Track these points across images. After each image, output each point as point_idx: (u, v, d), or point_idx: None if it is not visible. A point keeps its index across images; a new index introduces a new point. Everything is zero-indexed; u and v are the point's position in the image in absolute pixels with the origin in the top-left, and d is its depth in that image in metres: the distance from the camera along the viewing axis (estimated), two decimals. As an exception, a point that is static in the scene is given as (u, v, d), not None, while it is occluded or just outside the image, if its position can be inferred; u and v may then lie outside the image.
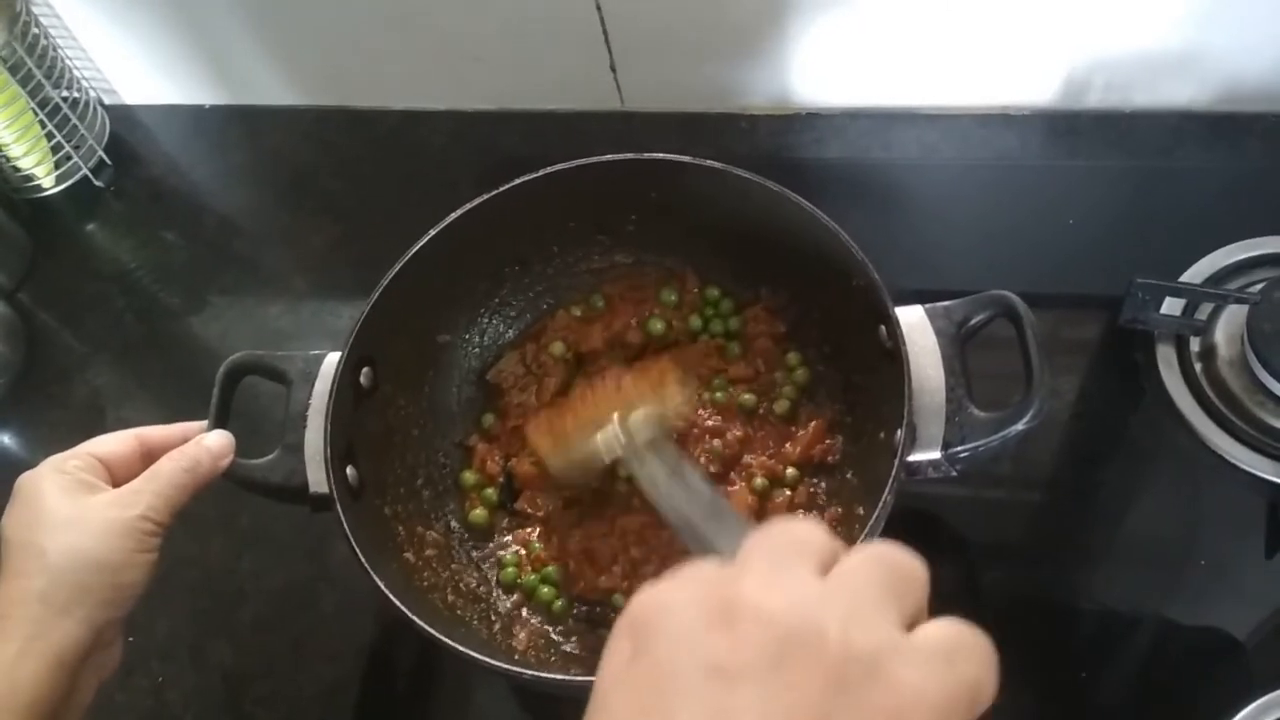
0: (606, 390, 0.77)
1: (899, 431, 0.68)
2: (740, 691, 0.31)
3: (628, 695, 0.33)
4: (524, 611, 0.81)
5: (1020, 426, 0.69)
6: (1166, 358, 0.88)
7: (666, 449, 0.68)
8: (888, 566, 0.34)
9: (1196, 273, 0.91)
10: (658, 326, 0.89)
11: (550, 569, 0.81)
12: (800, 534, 0.36)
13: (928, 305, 0.75)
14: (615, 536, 0.81)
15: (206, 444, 0.71)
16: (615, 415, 0.72)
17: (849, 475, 0.81)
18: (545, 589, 0.80)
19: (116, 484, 0.68)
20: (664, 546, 0.80)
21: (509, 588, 0.82)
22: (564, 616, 0.80)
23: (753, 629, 0.32)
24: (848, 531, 0.77)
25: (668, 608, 0.34)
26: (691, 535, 0.58)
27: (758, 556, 0.35)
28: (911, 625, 0.33)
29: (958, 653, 0.33)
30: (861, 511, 0.76)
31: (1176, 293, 0.89)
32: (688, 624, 0.33)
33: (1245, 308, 0.85)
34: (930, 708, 0.31)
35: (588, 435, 0.73)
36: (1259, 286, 0.87)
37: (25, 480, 0.66)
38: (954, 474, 0.72)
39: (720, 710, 0.30)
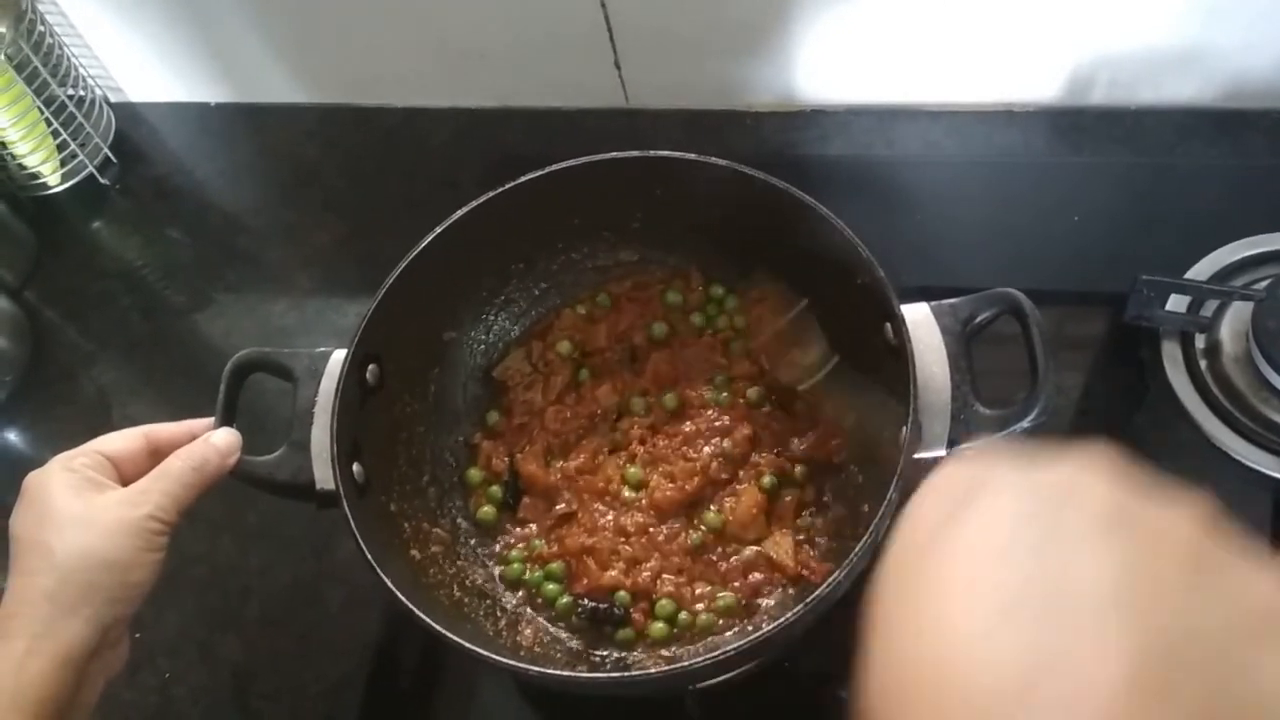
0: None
1: (904, 429, 0.68)
2: (1076, 553, 0.33)
3: (950, 555, 0.35)
4: (529, 608, 0.81)
5: (1025, 424, 0.69)
6: (1171, 354, 0.88)
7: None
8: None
9: (1201, 269, 0.91)
10: (660, 330, 0.89)
11: (554, 566, 0.81)
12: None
13: (933, 303, 0.74)
14: (616, 534, 0.81)
15: (214, 442, 0.72)
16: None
17: (855, 473, 0.81)
18: (550, 586, 0.81)
19: (125, 482, 0.68)
20: (664, 544, 0.80)
21: (514, 584, 0.82)
22: (568, 614, 0.80)
23: (1076, 508, 0.35)
24: (853, 530, 0.77)
25: (987, 482, 0.37)
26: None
27: (1063, 454, 0.38)
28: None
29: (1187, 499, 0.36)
30: (867, 509, 0.76)
31: (1181, 290, 0.89)
32: (1014, 498, 0.36)
33: (1250, 304, 0.85)
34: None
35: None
36: (1264, 283, 0.86)
37: (33, 479, 0.67)
38: (958, 473, 0.71)
39: (1060, 571, 0.33)
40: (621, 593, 0.79)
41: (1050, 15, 0.96)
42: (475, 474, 0.86)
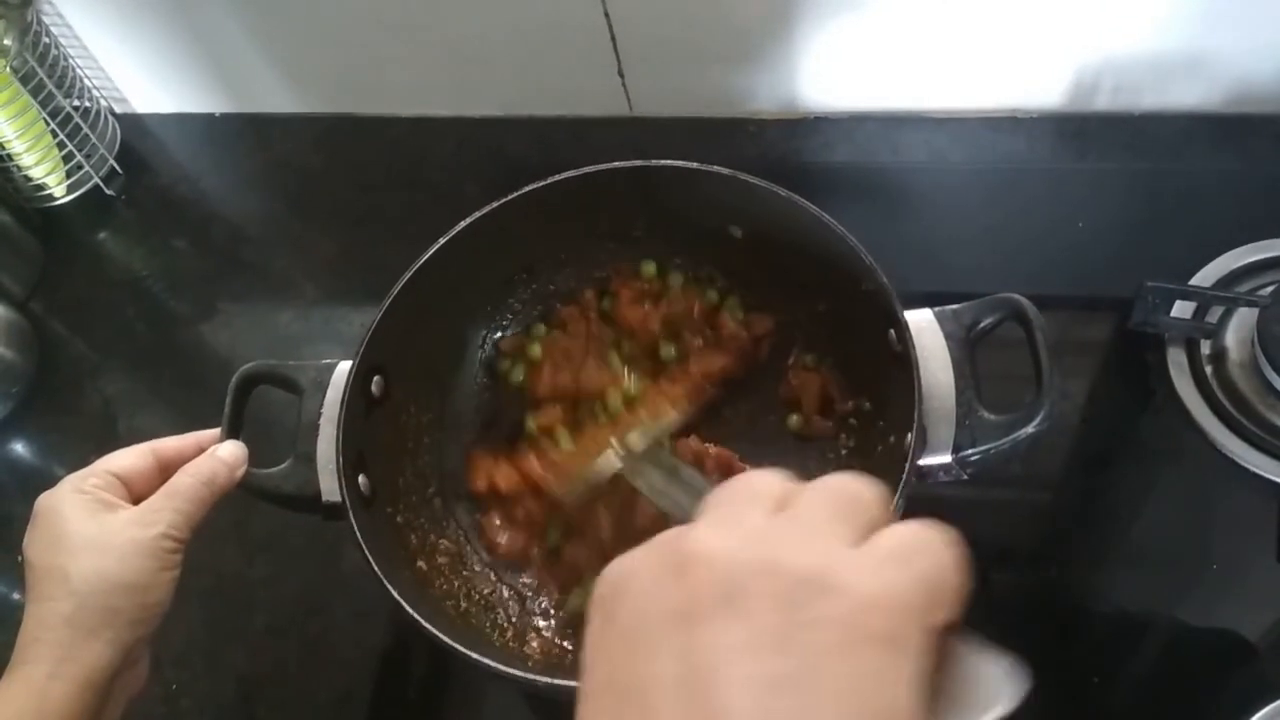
0: (604, 426, 0.81)
1: (909, 435, 0.68)
2: (702, 629, 0.32)
3: (603, 658, 0.34)
4: (536, 619, 0.81)
5: (1031, 429, 0.68)
6: (1177, 361, 0.88)
7: (660, 454, 0.72)
8: (834, 492, 0.35)
9: (1207, 275, 0.91)
10: (670, 352, 0.89)
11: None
12: (754, 482, 0.37)
13: (937, 308, 0.74)
14: (593, 551, 0.81)
15: (221, 456, 0.72)
16: (612, 440, 0.76)
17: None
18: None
19: (135, 499, 0.68)
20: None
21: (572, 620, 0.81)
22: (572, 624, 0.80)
23: (704, 572, 0.33)
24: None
25: (629, 573, 0.35)
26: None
27: (712, 508, 0.37)
28: (865, 538, 0.34)
29: (913, 553, 0.33)
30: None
31: (1186, 296, 0.89)
32: (647, 581, 0.34)
33: (1256, 310, 0.85)
34: (886, 609, 0.31)
35: (591, 462, 0.77)
36: (1269, 289, 0.86)
37: (45, 501, 0.67)
38: (964, 477, 0.71)
39: (687, 650, 0.31)
40: None
41: (1054, 21, 0.96)
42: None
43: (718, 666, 0.31)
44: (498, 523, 0.84)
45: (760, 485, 0.37)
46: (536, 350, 0.88)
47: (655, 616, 0.33)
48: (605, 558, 0.78)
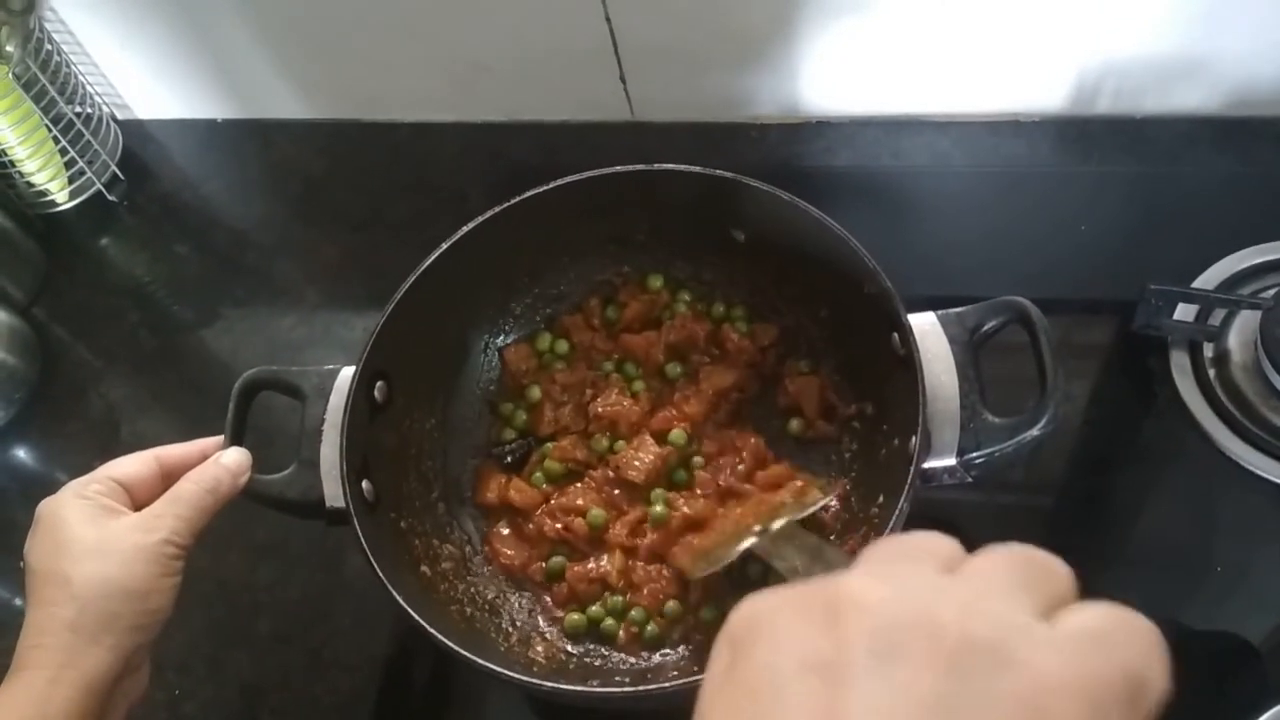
0: (746, 508, 0.79)
1: (914, 438, 0.68)
2: (846, 687, 0.28)
3: (725, 703, 0.31)
4: (541, 624, 0.81)
5: (1035, 432, 0.69)
6: (1180, 363, 0.88)
7: (803, 536, 0.69)
8: (1020, 559, 0.32)
9: (1209, 278, 0.91)
10: (677, 369, 0.89)
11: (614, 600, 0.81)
12: (919, 540, 0.33)
13: (940, 312, 0.75)
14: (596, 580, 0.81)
15: (225, 463, 0.72)
16: (756, 525, 0.73)
17: (863, 482, 0.81)
18: (609, 622, 0.80)
19: (137, 506, 0.68)
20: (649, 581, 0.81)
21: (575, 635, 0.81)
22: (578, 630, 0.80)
23: (859, 620, 0.29)
24: (863, 539, 0.77)
25: (765, 614, 0.32)
26: None
27: (871, 557, 0.33)
28: (1049, 613, 0.30)
29: (1111, 636, 0.29)
30: (877, 519, 0.76)
31: (1189, 298, 0.89)
32: (786, 624, 0.31)
33: (1259, 313, 0.85)
34: (1076, 694, 0.27)
35: (730, 544, 0.74)
36: (1271, 291, 0.87)
37: (47, 507, 0.67)
38: (969, 480, 0.72)
39: (826, 709, 0.28)
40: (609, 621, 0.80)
41: (1056, 24, 0.96)
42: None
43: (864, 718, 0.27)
44: (505, 532, 0.84)
45: (927, 543, 0.33)
46: (535, 393, 0.88)
47: (794, 664, 0.29)
48: (606, 584, 0.78)
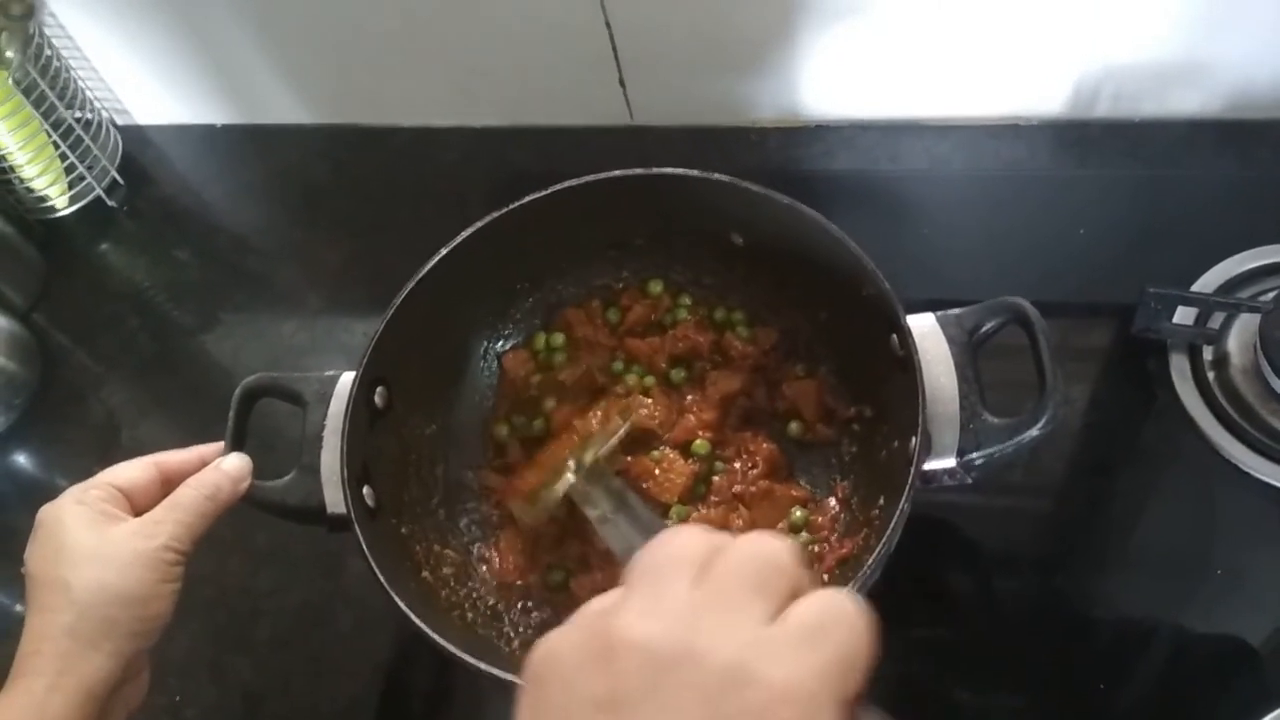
0: (564, 440, 0.81)
1: (913, 440, 0.68)
2: None
3: None
4: (544, 630, 0.81)
5: (1035, 432, 0.69)
6: (1179, 366, 0.88)
7: (609, 478, 0.73)
8: (750, 558, 0.36)
9: (1208, 281, 0.91)
10: (681, 374, 0.89)
11: None
12: (677, 547, 0.38)
13: (939, 313, 0.75)
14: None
15: (225, 469, 0.72)
16: (570, 460, 0.76)
17: (863, 484, 0.81)
18: None
19: (137, 512, 0.68)
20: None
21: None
22: None
23: (628, 661, 0.34)
24: (864, 541, 0.77)
25: (555, 655, 0.37)
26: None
27: (637, 580, 0.37)
28: (780, 609, 0.35)
29: (824, 628, 0.34)
30: (878, 521, 0.76)
31: (1188, 302, 0.89)
32: (573, 667, 0.35)
33: (1258, 316, 0.85)
34: (805, 692, 0.33)
35: (551, 483, 0.77)
36: (1271, 294, 0.87)
37: (46, 512, 0.67)
38: (969, 481, 0.72)
39: None
40: None
41: (1055, 28, 0.96)
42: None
43: None
44: (512, 544, 0.84)
45: (684, 549, 0.37)
46: (550, 404, 0.89)
47: (581, 704, 0.34)
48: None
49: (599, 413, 0.83)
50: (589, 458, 0.76)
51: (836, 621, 0.34)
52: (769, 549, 0.37)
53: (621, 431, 0.81)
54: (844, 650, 0.34)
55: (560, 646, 0.37)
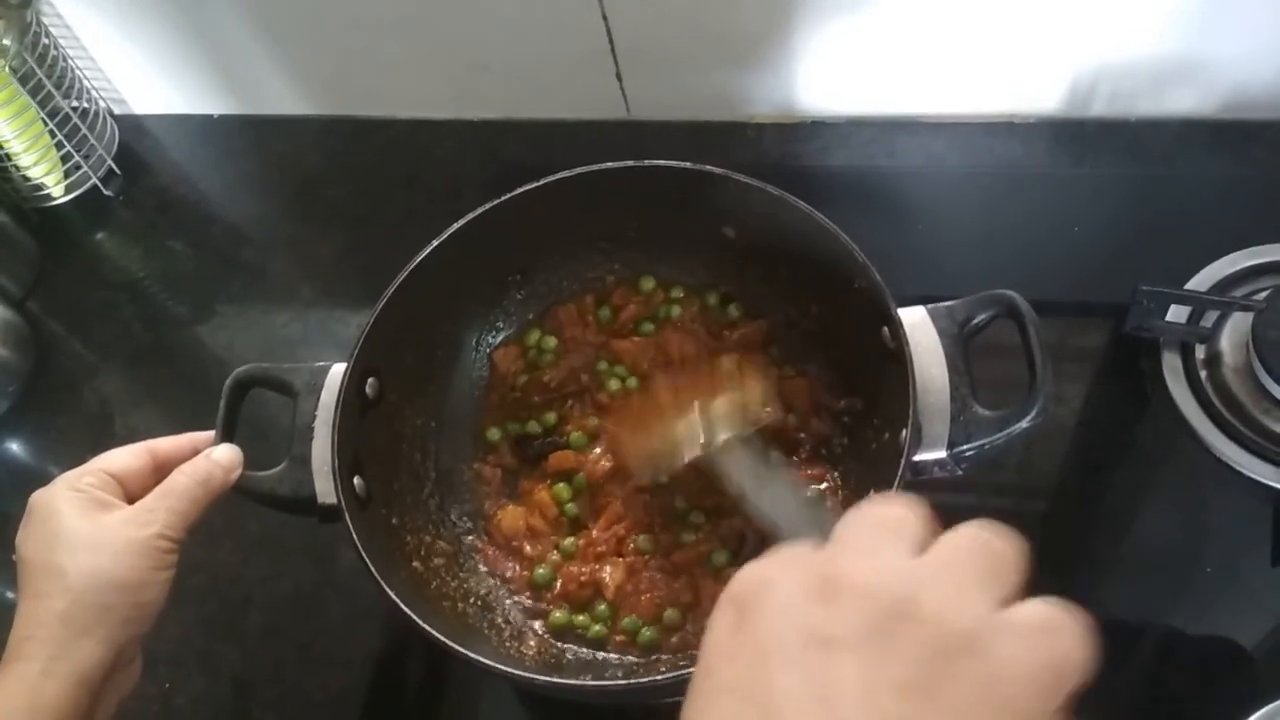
0: (686, 383, 0.79)
1: (904, 431, 0.68)
2: (841, 659, 0.33)
3: (733, 662, 0.35)
4: (534, 621, 0.81)
5: (1025, 424, 0.69)
6: (1172, 365, 0.88)
7: (751, 444, 0.71)
8: (984, 545, 0.36)
9: (1201, 280, 0.91)
10: (649, 329, 0.90)
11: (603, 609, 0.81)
12: (893, 514, 0.37)
13: (930, 305, 0.75)
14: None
15: (216, 458, 0.72)
16: (696, 406, 0.74)
17: (854, 475, 0.82)
18: (596, 627, 0.80)
19: (129, 499, 0.68)
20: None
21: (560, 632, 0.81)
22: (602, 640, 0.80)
23: (852, 601, 0.34)
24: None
25: (769, 581, 0.36)
26: (785, 536, 0.59)
27: (853, 534, 0.37)
28: (1008, 604, 0.34)
29: (1052, 630, 0.33)
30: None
31: (1181, 300, 0.89)
32: (789, 596, 0.35)
33: (1250, 315, 0.85)
34: (1023, 678, 0.32)
35: (675, 447, 0.74)
36: (1264, 294, 0.87)
37: (39, 499, 0.67)
38: (959, 473, 0.72)
39: (822, 677, 0.32)
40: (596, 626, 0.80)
41: (1051, 27, 0.96)
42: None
43: (855, 695, 0.32)
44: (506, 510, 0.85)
45: (900, 518, 0.37)
46: (551, 419, 0.88)
47: (796, 634, 0.34)
48: (599, 591, 0.77)
49: (720, 383, 0.79)
50: (723, 433, 0.73)
51: (1064, 628, 0.34)
52: (996, 541, 0.36)
53: (765, 422, 0.78)
54: (1067, 656, 0.33)
55: (775, 575, 0.36)
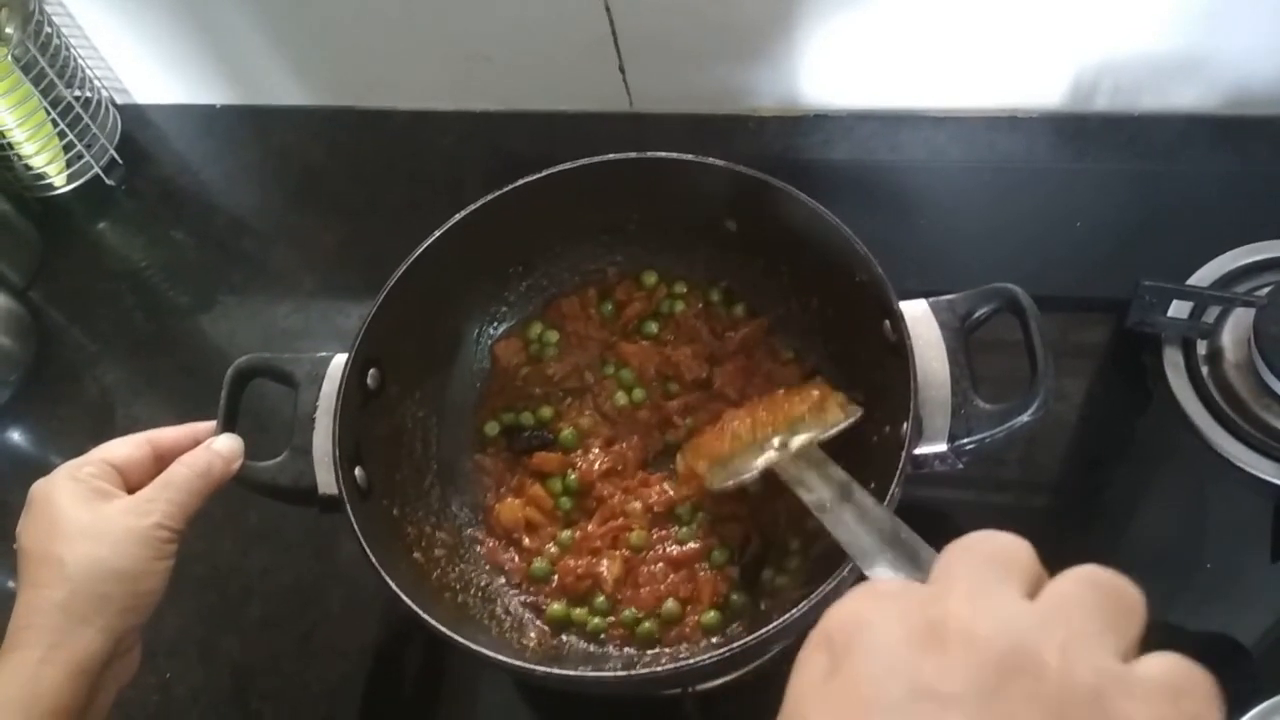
0: (762, 413, 0.78)
1: (905, 424, 0.68)
2: (950, 716, 0.30)
3: (824, 707, 0.32)
4: (533, 613, 0.81)
5: (1026, 418, 0.69)
6: (1173, 361, 0.88)
7: (832, 470, 0.69)
8: (1104, 592, 0.33)
9: (1203, 276, 0.91)
10: (652, 328, 0.90)
11: (600, 602, 0.81)
12: (1004, 548, 0.35)
13: (931, 299, 0.75)
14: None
15: (217, 448, 0.72)
16: (775, 437, 0.74)
17: (855, 469, 0.81)
18: (595, 620, 0.80)
19: (130, 489, 0.68)
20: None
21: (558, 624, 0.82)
22: (599, 633, 0.80)
23: (963, 652, 0.31)
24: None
25: (868, 623, 0.33)
26: (867, 563, 0.58)
27: (959, 573, 0.34)
28: (1129, 656, 0.32)
29: (1183, 690, 0.31)
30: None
31: (1183, 296, 0.89)
32: (891, 641, 0.32)
33: (1252, 311, 0.85)
34: None
35: (747, 456, 0.75)
36: (1266, 290, 0.87)
37: (40, 488, 0.67)
38: (960, 467, 0.72)
39: None
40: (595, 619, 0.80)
41: (1054, 22, 0.96)
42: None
43: None
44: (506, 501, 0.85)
45: (1009, 555, 0.34)
46: (547, 413, 0.89)
47: (897, 685, 0.31)
48: (598, 584, 0.76)
49: (812, 397, 0.78)
50: (799, 442, 0.73)
51: (1195, 688, 0.31)
52: (1117, 585, 0.33)
53: (843, 426, 0.76)
54: (1198, 717, 0.30)
55: (874, 617, 0.33)
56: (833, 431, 0.76)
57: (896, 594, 0.34)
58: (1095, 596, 0.33)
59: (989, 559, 0.34)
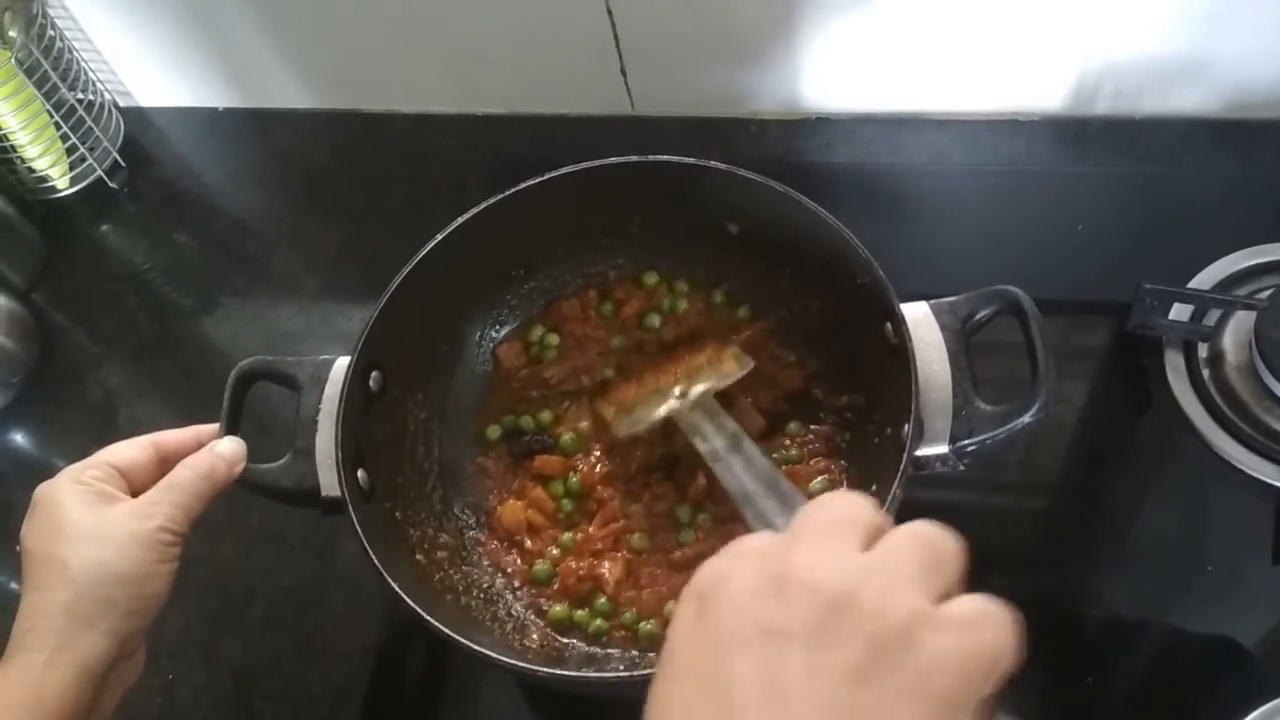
0: (667, 365, 0.84)
1: (906, 426, 0.69)
2: (789, 648, 0.35)
3: (693, 649, 0.38)
4: (536, 615, 0.81)
5: (1026, 419, 0.69)
6: (1174, 363, 0.88)
7: (724, 420, 0.75)
8: (924, 543, 0.39)
9: (1205, 279, 0.91)
10: (655, 321, 0.90)
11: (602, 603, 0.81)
12: (846, 509, 0.40)
13: (932, 301, 0.75)
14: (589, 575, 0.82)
15: (220, 451, 0.72)
16: (676, 387, 0.80)
17: (856, 470, 0.82)
18: (598, 622, 0.80)
19: (134, 492, 0.68)
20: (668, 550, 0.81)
21: (561, 627, 0.82)
22: (601, 635, 0.80)
23: (800, 596, 0.36)
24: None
25: (727, 576, 0.39)
26: (750, 508, 0.67)
27: (807, 530, 0.40)
28: (944, 598, 0.37)
29: (981, 622, 0.36)
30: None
31: (1184, 298, 0.89)
32: (744, 591, 0.38)
33: (1253, 314, 0.85)
34: (954, 672, 0.35)
35: (650, 405, 0.81)
36: (1267, 293, 0.87)
37: (44, 491, 0.67)
38: (961, 468, 0.72)
39: (772, 663, 0.35)
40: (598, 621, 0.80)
41: (1056, 25, 0.96)
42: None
43: (801, 682, 0.35)
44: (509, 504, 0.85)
45: (853, 513, 0.40)
46: (547, 417, 0.89)
47: (750, 624, 0.37)
48: (599, 585, 0.77)
49: (708, 351, 0.85)
50: (698, 390, 0.80)
51: (993, 620, 0.36)
52: (941, 537, 0.39)
53: (737, 377, 0.82)
54: (994, 646, 0.36)
55: (731, 572, 0.39)
56: (728, 381, 0.82)
57: (753, 553, 0.39)
58: (914, 546, 0.38)
59: (833, 517, 0.40)
